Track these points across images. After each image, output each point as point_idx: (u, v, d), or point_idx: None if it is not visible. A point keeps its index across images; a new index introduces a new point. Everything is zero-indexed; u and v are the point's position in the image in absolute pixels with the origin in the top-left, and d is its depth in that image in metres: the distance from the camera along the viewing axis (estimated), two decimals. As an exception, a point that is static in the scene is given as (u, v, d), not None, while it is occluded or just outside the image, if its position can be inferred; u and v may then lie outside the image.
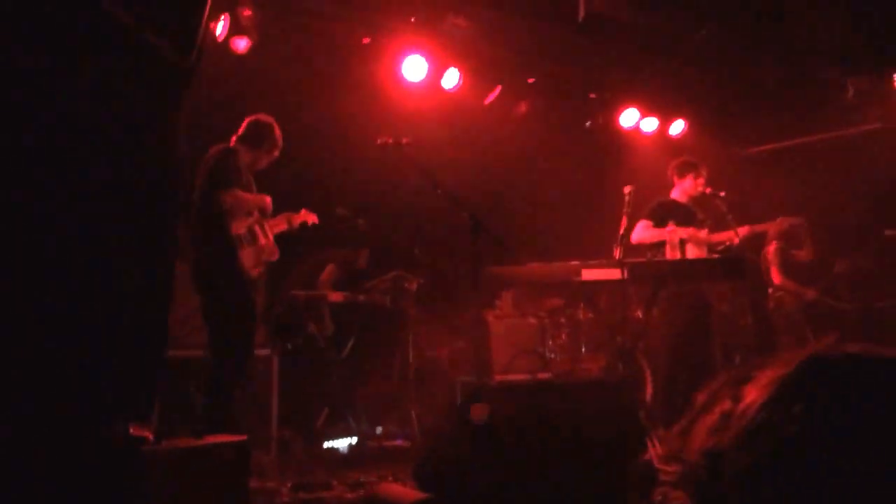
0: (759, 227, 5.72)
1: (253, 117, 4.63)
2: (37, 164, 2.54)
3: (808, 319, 6.48)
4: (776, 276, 6.73)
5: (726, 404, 0.78)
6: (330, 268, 6.09)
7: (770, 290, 6.77)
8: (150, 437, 2.76)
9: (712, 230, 5.60)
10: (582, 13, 6.38)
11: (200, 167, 4.36)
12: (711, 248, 5.55)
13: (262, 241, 4.45)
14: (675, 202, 5.71)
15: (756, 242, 5.94)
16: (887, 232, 6.93)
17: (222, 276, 4.21)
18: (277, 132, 4.66)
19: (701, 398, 0.82)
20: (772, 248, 6.73)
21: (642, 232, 5.47)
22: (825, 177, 7.98)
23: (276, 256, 4.61)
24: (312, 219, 5.04)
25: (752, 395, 0.76)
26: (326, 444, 5.24)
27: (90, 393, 2.73)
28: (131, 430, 2.72)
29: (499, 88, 7.44)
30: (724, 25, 7.12)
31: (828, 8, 7.06)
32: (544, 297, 7.03)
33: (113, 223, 2.85)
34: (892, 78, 7.59)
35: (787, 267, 6.69)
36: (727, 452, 0.74)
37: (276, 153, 4.70)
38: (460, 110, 7.24)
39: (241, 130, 4.59)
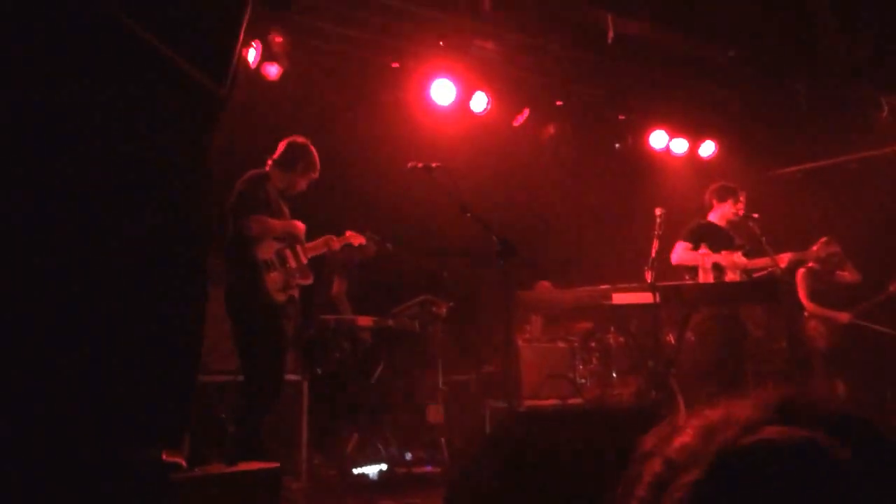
0: (802, 255, 5.64)
1: (288, 139, 4.61)
2: (75, 196, 2.57)
3: (843, 343, 6.32)
4: (803, 301, 6.62)
5: (656, 465, 0.72)
6: (336, 281, 6.01)
7: (807, 313, 6.65)
8: (183, 463, 2.76)
9: (748, 254, 5.52)
10: (611, 35, 6.37)
11: (232, 192, 4.38)
12: (749, 273, 5.47)
13: (293, 264, 4.45)
14: (712, 225, 5.66)
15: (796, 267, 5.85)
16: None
17: (247, 301, 4.22)
18: (313, 153, 4.61)
19: (647, 445, 0.75)
20: (800, 272, 6.61)
21: (682, 254, 5.41)
22: (858, 197, 7.85)
23: (309, 280, 4.60)
24: (359, 240, 5.04)
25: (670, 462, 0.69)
26: (356, 471, 5.20)
27: (124, 419, 2.74)
28: (164, 457, 2.71)
29: (527, 111, 7.45)
30: (753, 46, 7.07)
31: (860, 26, 6.98)
32: (574, 322, 6.96)
33: (148, 250, 2.87)
34: (927, 97, 7.48)
35: (815, 291, 6.56)
36: None
37: (315, 175, 4.64)
38: (489, 133, 7.25)
39: (276, 154, 4.58)
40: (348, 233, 4.96)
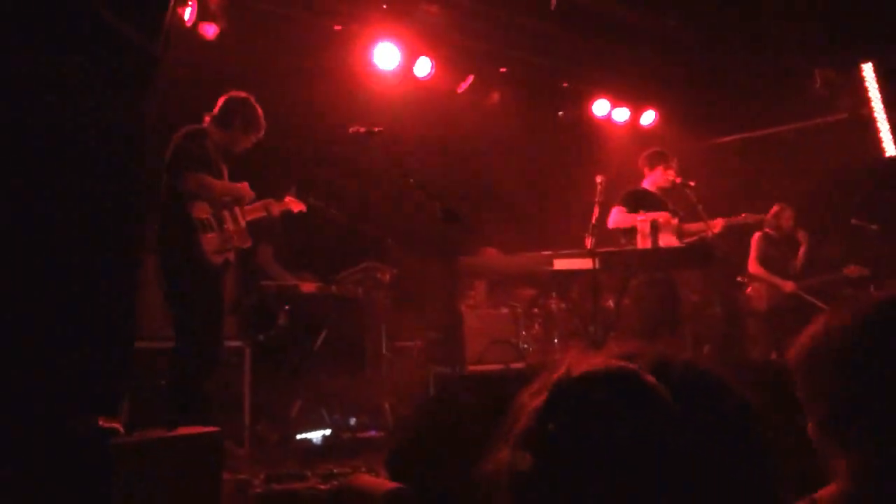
0: (734, 220, 5.77)
1: (227, 95, 4.44)
2: (8, 160, 2.48)
3: (785, 312, 6.48)
4: (751, 264, 6.80)
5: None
6: (260, 247, 5.76)
7: (745, 280, 6.85)
8: (121, 428, 2.72)
9: (683, 220, 5.65)
10: (553, 3, 6.38)
11: (168, 148, 4.22)
12: (683, 238, 5.59)
13: (230, 226, 4.32)
14: (646, 191, 5.76)
15: (732, 235, 5.97)
16: (854, 220, 7.04)
17: (180, 261, 4.08)
18: (255, 109, 4.43)
19: (522, 397, 0.86)
20: (756, 236, 6.80)
21: (617, 216, 5.51)
22: (793, 166, 8.08)
23: (247, 243, 4.49)
24: (299, 207, 4.93)
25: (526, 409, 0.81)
26: (300, 436, 5.21)
27: (58, 386, 2.68)
28: (101, 422, 2.67)
29: (471, 77, 7.43)
30: (694, 16, 7.17)
31: (796, 1, 7.14)
32: (518, 288, 7.05)
33: (77, 212, 2.80)
34: (859, 68, 7.71)
35: (767, 256, 6.74)
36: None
37: (259, 133, 4.45)
38: (433, 99, 7.21)
39: (215, 110, 4.40)
40: (288, 198, 4.85)
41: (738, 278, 6.59)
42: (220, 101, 4.41)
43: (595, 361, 0.81)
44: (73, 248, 2.78)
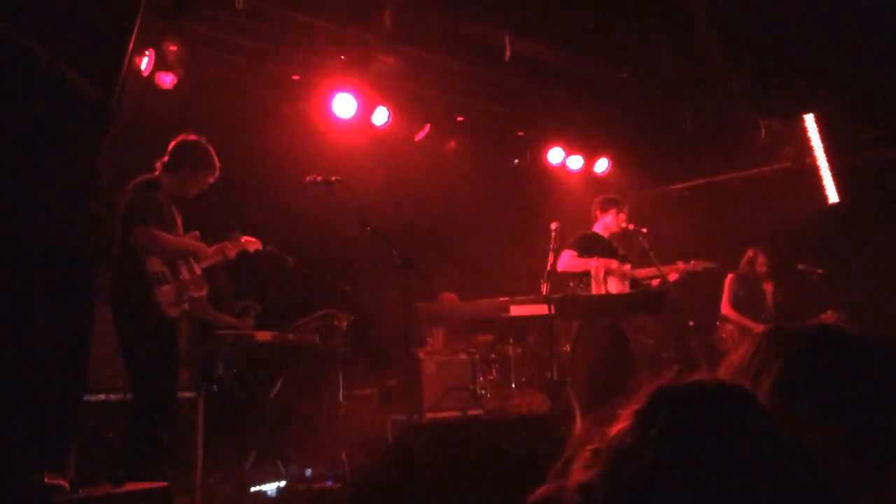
0: (689, 267, 5.89)
1: (177, 139, 4.39)
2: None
3: None
4: (723, 306, 6.93)
5: (595, 442, 0.84)
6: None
7: (718, 322, 6.97)
8: (66, 486, 2.65)
9: (634, 266, 5.76)
10: (508, 54, 6.55)
11: (121, 200, 4.19)
12: (635, 283, 5.69)
13: (186, 276, 4.29)
14: (596, 235, 5.85)
15: (682, 281, 6.09)
16: (800, 265, 7.25)
17: (137, 316, 4.02)
18: (206, 151, 4.38)
19: (574, 441, 0.87)
20: (729, 278, 6.96)
21: (568, 261, 5.56)
22: (741, 213, 8.33)
23: (203, 291, 4.44)
24: (255, 246, 4.88)
25: (615, 429, 0.82)
26: (254, 489, 5.10)
27: (2, 441, 2.62)
28: (46, 480, 2.60)
29: (428, 126, 7.54)
30: (644, 69, 7.42)
31: (741, 55, 7.44)
32: (476, 334, 7.07)
33: (28, 262, 2.77)
34: (802, 119, 8.03)
35: (739, 298, 6.87)
36: (597, 485, 0.80)
37: (212, 173, 4.40)
38: (390, 148, 7.30)
39: (165, 156, 4.36)
40: (244, 238, 4.82)
41: (690, 322, 6.72)
42: (171, 146, 4.38)
43: (702, 376, 0.84)
44: (22, 299, 2.74)
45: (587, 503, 0.80)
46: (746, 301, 6.89)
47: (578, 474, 0.82)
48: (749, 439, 0.76)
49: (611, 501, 0.78)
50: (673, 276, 5.77)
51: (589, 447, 0.84)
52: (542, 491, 0.87)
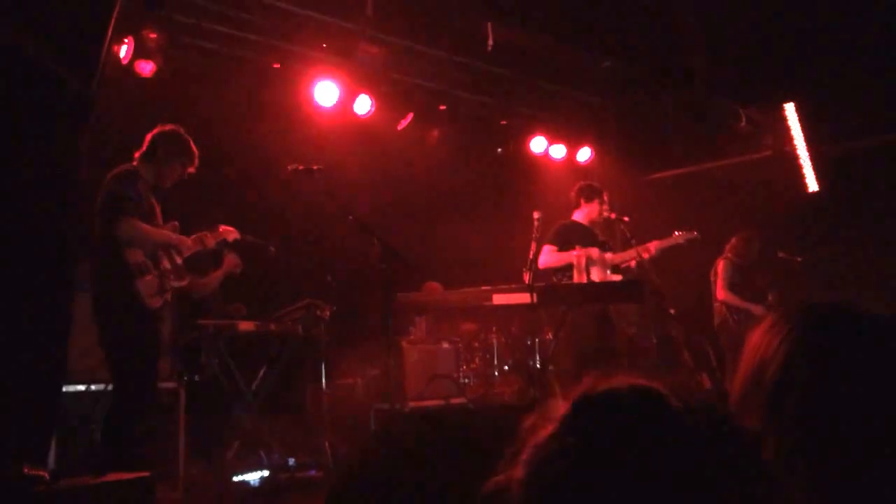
0: (666, 242, 5.90)
1: (154, 129, 4.36)
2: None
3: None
4: (719, 291, 6.94)
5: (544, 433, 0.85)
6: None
7: (715, 305, 7.00)
8: (46, 476, 2.64)
9: (615, 254, 5.79)
10: (490, 43, 6.54)
11: (99, 192, 4.16)
12: (615, 268, 5.71)
13: (167, 265, 4.28)
14: (577, 224, 5.86)
15: (659, 263, 6.11)
16: (780, 253, 7.32)
17: (119, 307, 4.00)
18: (183, 140, 4.36)
19: (529, 422, 0.88)
20: (721, 263, 6.98)
21: (547, 256, 5.58)
22: (722, 201, 8.38)
23: (185, 282, 4.43)
24: (234, 235, 4.88)
25: (544, 431, 0.82)
26: (236, 478, 5.10)
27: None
28: (26, 470, 2.59)
29: (411, 115, 7.52)
30: (627, 58, 7.44)
31: (722, 46, 7.48)
32: (458, 323, 7.09)
33: (7, 255, 2.75)
34: (782, 108, 8.08)
35: (734, 283, 6.88)
36: (518, 487, 0.81)
37: (189, 161, 4.38)
38: (373, 136, 7.28)
39: (143, 146, 4.33)
40: (222, 228, 4.80)
41: (671, 311, 6.75)
42: (148, 137, 4.36)
43: (618, 381, 0.83)
44: (1, 288, 2.72)
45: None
46: (741, 286, 6.91)
47: (520, 469, 0.83)
48: (659, 451, 0.76)
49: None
50: (646, 255, 5.75)
51: (534, 441, 0.84)
52: (494, 481, 0.88)
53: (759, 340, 1.20)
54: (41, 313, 2.79)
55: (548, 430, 0.82)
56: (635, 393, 0.81)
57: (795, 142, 8.09)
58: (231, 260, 5.45)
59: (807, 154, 8.11)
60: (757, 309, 6.73)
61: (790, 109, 8.07)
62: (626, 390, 0.81)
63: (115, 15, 2.99)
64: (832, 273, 7.60)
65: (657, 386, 0.82)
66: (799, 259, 7.25)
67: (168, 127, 4.39)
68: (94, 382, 4.49)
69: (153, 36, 5.68)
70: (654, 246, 5.77)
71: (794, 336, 1.15)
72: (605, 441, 0.77)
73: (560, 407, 0.85)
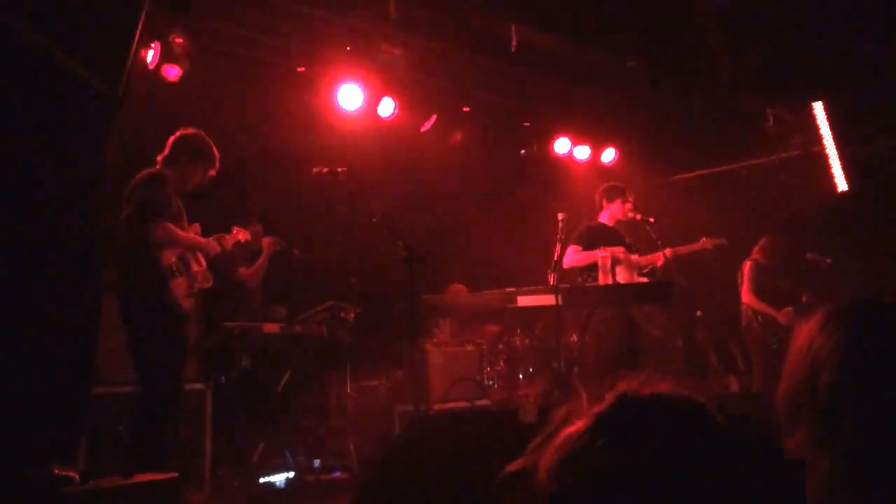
0: (681, 249, 5.86)
1: (176, 133, 4.42)
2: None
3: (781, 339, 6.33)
4: (744, 294, 6.80)
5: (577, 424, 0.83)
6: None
7: (742, 307, 6.87)
8: (76, 477, 2.67)
9: (641, 255, 5.74)
10: (514, 44, 6.52)
11: (127, 196, 4.21)
12: (640, 270, 5.67)
13: (195, 267, 4.33)
14: (602, 225, 5.83)
15: (691, 266, 6.04)
16: (809, 255, 7.21)
17: (153, 308, 4.06)
18: (205, 142, 4.42)
19: (562, 412, 0.86)
20: (747, 265, 6.85)
21: (571, 256, 5.56)
22: (750, 202, 8.29)
23: (209, 283, 4.48)
24: (244, 236, 4.94)
25: (579, 423, 0.81)
26: (262, 480, 5.13)
27: (11, 433, 2.63)
28: (55, 471, 2.62)
29: (434, 117, 7.52)
30: (651, 58, 7.38)
31: (747, 45, 7.40)
32: (482, 325, 7.07)
33: (36, 255, 2.78)
34: (810, 107, 7.97)
35: (761, 286, 6.71)
36: (544, 477, 0.79)
37: (211, 165, 4.44)
38: (396, 139, 7.28)
39: (165, 150, 4.39)
40: (235, 228, 4.86)
41: (698, 313, 6.68)
42: (170, 140, 4.41)
43: (660, 386, 0.82)
44: (31, 291, 2.75)
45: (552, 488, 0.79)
46: (769, 288, 6.78)
47: (551, 456, 0.81)
48: (699, 465, 0.74)
49: (554, 498, 0.77)
50: (669, 252, 5.69)
51: (573, 426, 0.83)
52: (517, 464, 0.86)
53: (808, 341, 1.13)
54: (70, 316, 2.82)
55: (583, 422, 0.81)
56: (679, 401, 0.79)
57: (824, 141, 7.97)
58: (267, 242, 5.51)
59: (836, 154, 7.99)
60: (780, 315, 6.58)
61: (819, 108, 7.96)
62: (670, 397, 0.80)
63: (142, 19, 3.02)
64: (863, 274, 7.48)
65: (698, 397, 0.80)
66: (828, 260, 7.12)
67: (189, 130, 4.44)
68: (121, 384, 4.52)
69: (179, 41, 5.73)
70: (680, 250, 5.73)
71: (850, 336, 1.08)
72: (645, 444, 0.75)
73: (594, 404, 0.83)
